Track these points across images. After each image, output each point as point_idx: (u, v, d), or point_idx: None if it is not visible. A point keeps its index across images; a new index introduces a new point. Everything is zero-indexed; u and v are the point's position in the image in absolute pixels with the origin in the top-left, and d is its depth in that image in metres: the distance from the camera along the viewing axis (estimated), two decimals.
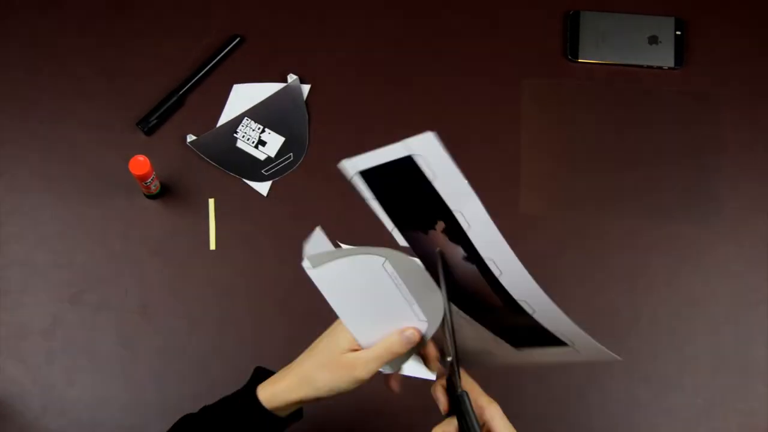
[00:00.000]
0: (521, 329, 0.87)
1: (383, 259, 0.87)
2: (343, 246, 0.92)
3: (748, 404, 1.20)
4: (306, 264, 0.87)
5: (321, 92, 1.30)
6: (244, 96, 1.29)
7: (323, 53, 1.32)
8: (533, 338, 0.88)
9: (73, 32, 1.31)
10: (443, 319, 0.89)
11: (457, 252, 0.86)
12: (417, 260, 0.89)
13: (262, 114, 1.29)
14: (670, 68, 1.31)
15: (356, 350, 0.89)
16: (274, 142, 1.28)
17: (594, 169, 1.28)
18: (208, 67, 1.30)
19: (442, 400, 0.88)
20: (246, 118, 1.28)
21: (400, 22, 1.33)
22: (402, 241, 0.90)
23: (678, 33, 1.32)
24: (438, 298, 0.88)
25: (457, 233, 0.85)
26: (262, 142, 1.28)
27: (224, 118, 1.29)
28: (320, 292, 0.88)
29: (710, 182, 1.28)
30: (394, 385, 0.92)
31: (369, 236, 1.27)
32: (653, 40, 1.32)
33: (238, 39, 1.31)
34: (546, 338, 0.87)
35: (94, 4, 1.32)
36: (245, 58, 1.31)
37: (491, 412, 0.87)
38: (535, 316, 0.85)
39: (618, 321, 1.23)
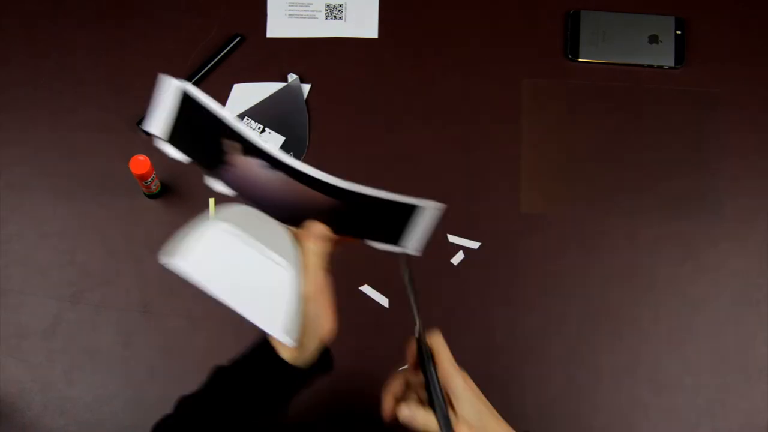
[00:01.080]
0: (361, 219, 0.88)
1: (220, 223, 0.84)
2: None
3: (750, 403, 1.20)
4: (170, 260, 0.83)
5: (321, 92, 1.30)
6: (244, 95, 1.30)
7: (323, 52, 1.32)
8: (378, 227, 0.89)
9: (73, 32, 1.31)
10: (406, 280, 0.91)
11: (255, 163, 0.87)
12: (245, 206, 0.89)
13: (262, 113, 1.29)
14: (670, 67, 1.31)
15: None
16: (275, 141, 1.28)
17: (594, 168, 1.28)
18: (209, 66, 1.30)
19: (410, 359, 0.91)
20: (246, 117, 1.29)
21: (400, 23, 1.33)
22: (220, 187, 0.90)
23: (678, 32, 1.32)
24: (282, 234, 0.88)
25: (250, 148, 0.86)
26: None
27: None
28: None
29: (711, 181, 1.28)
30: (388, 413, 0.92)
31: None
32: (653, 39, 1.32)
33: (238, 38, 1.31)
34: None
35: (95, 3, 1.32)
36: (245, 57, 1.31)
37: (456, 384, 0.89)
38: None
39: (619, 321, 1.23)
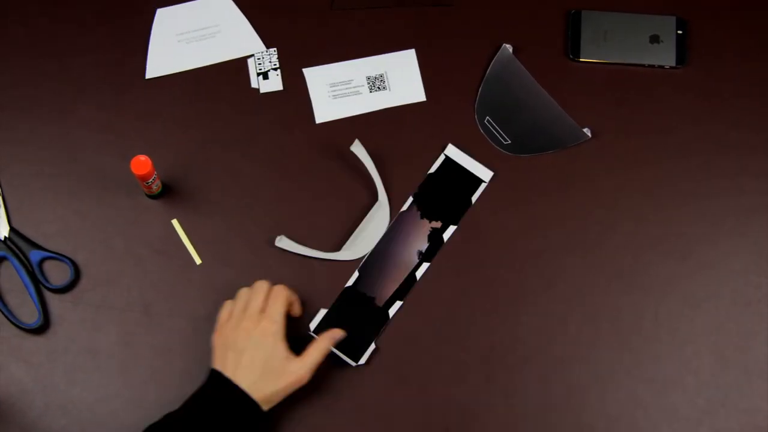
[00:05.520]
0: None
1: None
2: None
3: (751, 403, 1.20)
4: None
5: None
6: (172, 19, 1.32)
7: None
8: None
9: (73, 31, 1.31)
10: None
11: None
12: None
13: None
14: (671, 67, 1.31)
15: (291, 355, 1.12)
16: (276, 82, 1.30)
17: (594, 167, 1.28)
18: None
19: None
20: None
21: (402, 21, 1.33)
22: None
23: (679, 32, 1.32)
24: None
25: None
26: (266, 76, 1.30)
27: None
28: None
29: (712, 181, 1.28)
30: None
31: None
32: (655, 39, 1.32)
33: None
34: None
35: (95, 2, 1.32)
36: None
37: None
38: None
39: (619, 320, 1.23)
